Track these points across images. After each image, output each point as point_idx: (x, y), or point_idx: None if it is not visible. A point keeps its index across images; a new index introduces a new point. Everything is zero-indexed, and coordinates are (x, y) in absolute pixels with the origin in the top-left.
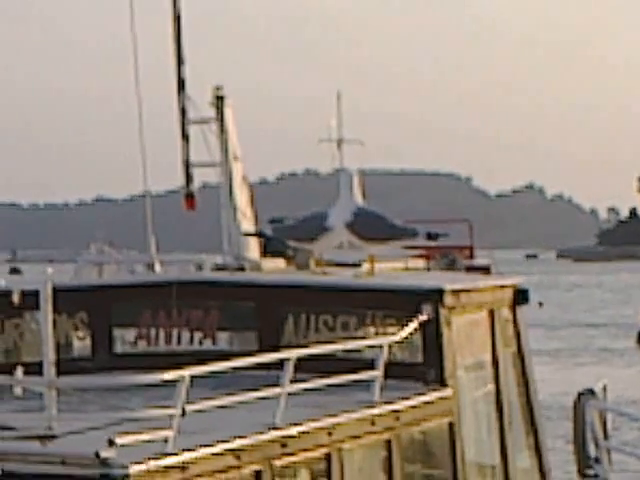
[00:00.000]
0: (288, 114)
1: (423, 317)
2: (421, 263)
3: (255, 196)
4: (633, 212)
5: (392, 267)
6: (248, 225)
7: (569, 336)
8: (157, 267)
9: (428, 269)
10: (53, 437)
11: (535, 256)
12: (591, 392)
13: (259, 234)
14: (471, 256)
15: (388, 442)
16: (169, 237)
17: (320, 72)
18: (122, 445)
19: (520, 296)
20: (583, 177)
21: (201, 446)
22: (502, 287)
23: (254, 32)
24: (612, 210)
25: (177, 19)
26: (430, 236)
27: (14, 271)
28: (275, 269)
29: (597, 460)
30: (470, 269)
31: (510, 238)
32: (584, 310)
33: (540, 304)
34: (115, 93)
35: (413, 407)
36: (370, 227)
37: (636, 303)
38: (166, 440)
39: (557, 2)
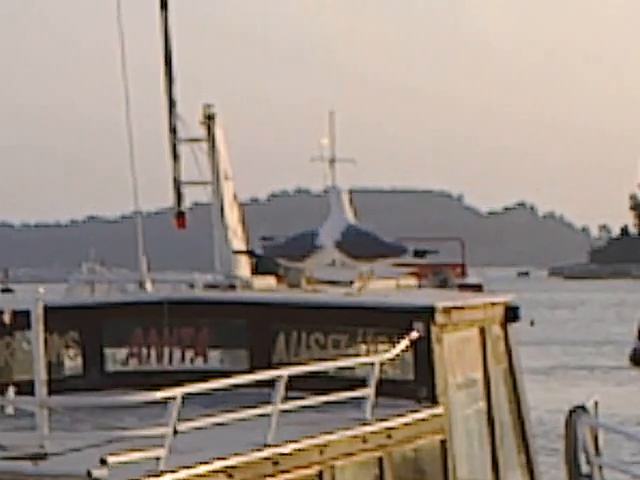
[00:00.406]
0: (279, 133)
1: (414, 335)
2: (413, 281)
3: (247, 215)
4: (624, 230)
5: (384, 285)
6: (239, 244)
7: (561, 354)
8: (148, 286)
9: (419, 287)
10: (45, 456)
11: (527, 274)
12: (583, 408)
13: (249, 252)
14: (463, 274)
15: (380, 460)
16: (162, 255)
17: (312, 90)
18: (114, 464)
19: (511, 313)
20: (574, 195)
21: (193, 466)
22: (493, 304)
23: (244, 50)
24: (604, 228)
25: (167, 38)
26: (418, 253)
27: (6, 291)
28: (266, 287)
29: (589, 477)
30: (463, 287)
31: (502, 256)
32: (576, 328)
33: (532, 323)
34: (107, 112)
35: (405, 425)
36: (359, 245)
37: (628, 321)
38: (158, 459)
39: (556, 20)
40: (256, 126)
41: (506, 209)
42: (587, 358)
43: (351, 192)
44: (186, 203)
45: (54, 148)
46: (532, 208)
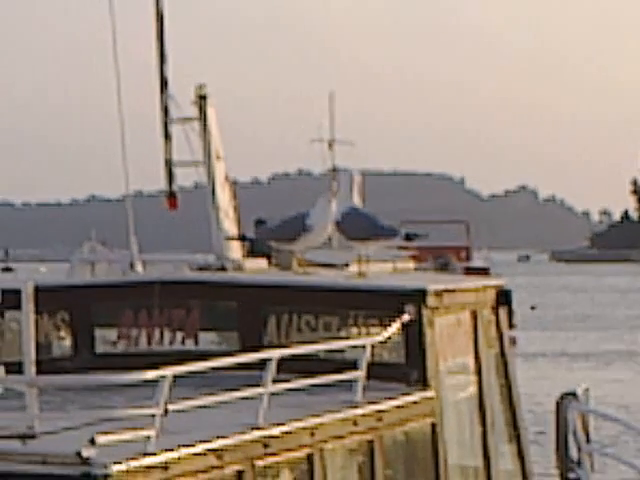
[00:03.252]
0: (281, 114)
1: (406, 318)
2: (410, 264)
3: (248, 196)
4: (625, 215)
5: (380, 268)
6: (230, 225)
7: (567, 339)
8: (139, 267)
9: (416, 270)
10: (34, 436)
11: (527, 258)
12: (573, 395)
13: (241, 237)
14: (468, 257)
15: (370, 443)
16: (165, 236)
17: (313, 72)
18: (103, 444)
19: (502, 297)
20: (576, 179)
21: (183, 446)
22: (485, 288)
23: (246, 31)
24: (604, 213)
25: (160, 17)
26: (408, 237)
27: (6, 270)
28: (257, 269)
29: (579, 463)
30: (469, 271)
31: (502, 240)
32: (581, 312)
33: (533, 307)
34: (105, 93)
35: (395, 408)
36: (354, 226)
37: (634, 305)
38: (148, 439)
39: (553, 7)
40: (258, 107)
41: (507, 193)
42: (595, 343)
43: (364, 175)
44: (181, 183)
45: (56, 127)
46: (533, 192)
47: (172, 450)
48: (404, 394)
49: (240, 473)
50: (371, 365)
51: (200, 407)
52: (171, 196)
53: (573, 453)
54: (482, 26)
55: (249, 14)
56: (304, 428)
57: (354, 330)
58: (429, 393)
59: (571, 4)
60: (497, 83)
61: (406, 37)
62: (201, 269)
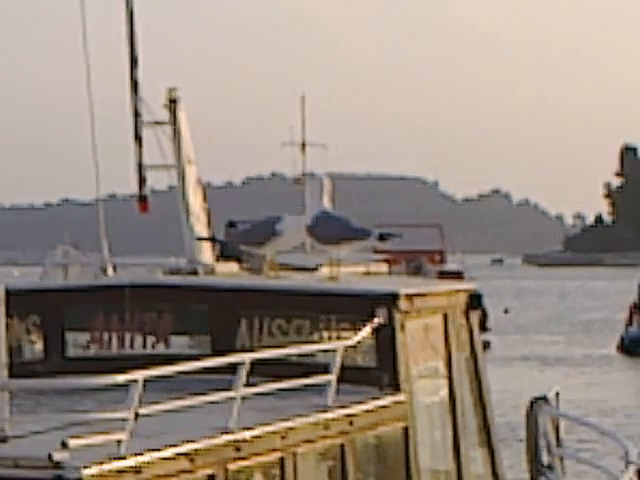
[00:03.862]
0: (255, 116)
1: (377, 321)
2: (383, 267)
3: (221, 199)
4: (599, 218)
5: (352, 271)
6: (202, 229)
7: (539, 342)
8: (110, 271)
9: (389, 273)
10: (5, 439)
11: (501, 261)
12: (544, 399)
13: (211, 239)
14: (442, 260)
15: (342, 447)
16: (141, 239)
17: (287, 74)
18: (75, 448)
19: (474, 301)
20: (549, 183)
21: (154, 449)
22: (456, 292)
23: (217, 32)
24: (578, 216)
25: (131, 19)
26: (382, 237)
27: None
28: (229, 273)
29: (550, 467)
30: (442, 274)
31: (476, 243)
32: (555, 316)
33: (506, 311)
34: (78, 96)
35: (367, 411)
36: (326, 228)
37: (608, 309)
38: (119, 443)
39: (531, 12)
40: (232, 110)
41: (481, 196)
42: (568, 347)
43: (333, 179)
44: (155, 186)
45: (28, 130)
46: (507, 195)
47: (144, 454)
48: (375, 398)
49: (212, 477)
50: (343, 369)
51: (172, 411)
52: (142, 199)
53: (544, 457)
54: (459, 27)
55: (221, 15)
56: (276, 432)
57: (326, 334)
58: (401, 397)
59: (557, 4)
60: (470, 86)
61: (380, 38)
62: (172, 273)
